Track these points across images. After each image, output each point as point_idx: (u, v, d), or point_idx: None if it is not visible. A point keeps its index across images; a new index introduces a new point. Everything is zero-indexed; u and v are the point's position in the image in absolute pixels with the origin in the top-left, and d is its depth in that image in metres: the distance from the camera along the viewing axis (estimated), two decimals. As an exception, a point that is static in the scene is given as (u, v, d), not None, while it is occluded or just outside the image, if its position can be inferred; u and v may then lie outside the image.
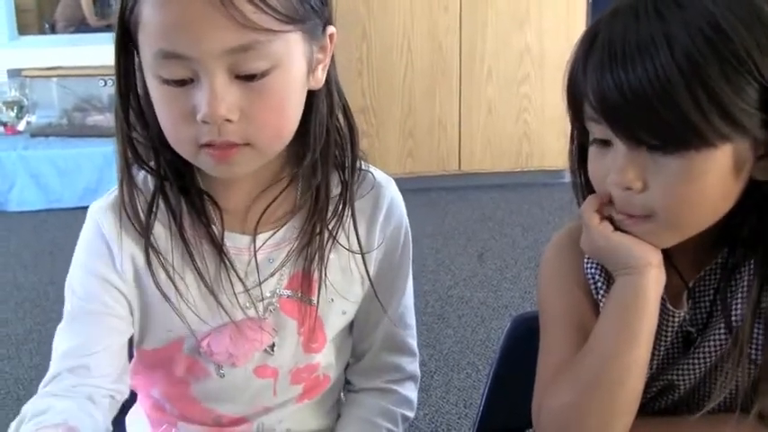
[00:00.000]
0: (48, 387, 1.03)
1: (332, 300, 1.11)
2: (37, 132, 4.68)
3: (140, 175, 1.06)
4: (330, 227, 1.08)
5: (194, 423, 1.15)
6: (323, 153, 1.05)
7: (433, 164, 4.50)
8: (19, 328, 3.00)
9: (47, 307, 3.04)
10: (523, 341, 1.22)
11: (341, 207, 1.08)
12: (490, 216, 4.13)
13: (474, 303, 3.20)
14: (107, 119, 4.56)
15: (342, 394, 1.24)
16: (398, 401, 1.19)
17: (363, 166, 1.12)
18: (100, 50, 4.48)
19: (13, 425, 0.96)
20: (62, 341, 1.05)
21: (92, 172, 4.31)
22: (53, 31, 5.67)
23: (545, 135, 4.49)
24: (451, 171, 4.52)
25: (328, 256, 1.08)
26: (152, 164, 1.04)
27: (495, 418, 1.27)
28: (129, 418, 1.23)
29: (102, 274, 1.05)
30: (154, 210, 1.04)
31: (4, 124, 4.77)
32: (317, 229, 1.07)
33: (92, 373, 1.03)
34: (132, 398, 1.20)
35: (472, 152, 4.52)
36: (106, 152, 4.27)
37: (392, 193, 1.15)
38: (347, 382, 1.24)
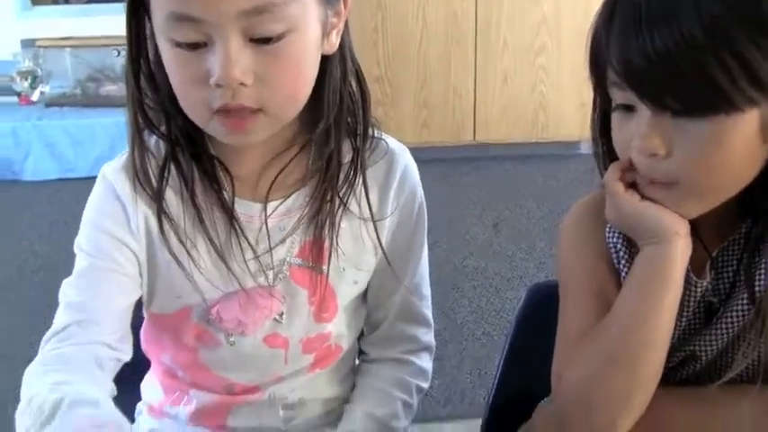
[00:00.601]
0: (54, 342, 1.00)
1: (343, 269, 1.10)
2: (51, 102, 4.69)
3: (152, 141, 1.05)
4: (341, 194, 1.07)
5: (206, 390, 1.14)
6: (336, 119, 1.04)
7: (447, 134, 4.48)
8: (34, 296, 3.02)
9: (61, 276, 3.06)
10: (540, 310, 1.22)
11: (352, 174, 1.07)
12: (505, 187, 4.11)
13: (488, 274, 3.19)
14: (120, 89, 4.51)
15: (356, 362, 1.23)
16: (414, 372, 1.18)
17: (376, 134, 1.11)
18: (113, 20, 4.46)
19: (26, 407, 0.91)
20: (70, 294, 1.03)
21: (105, 142, 4.32)
22: (66, 1, 5.64)
23: (561, 106, 4.45)
24: (466, 141, 4.49)
25: (339, 224, 1.07)
26: (163, 129, 1.03)
27: (511, 387, 1.27)
28: (144, 384, 1.23)
29: (114, 233, 1.03)
30: (165, 175, 1.03)
31: (19, 94, 4.76)
32: (328, 196, 1.06)
33: (101, 329, 1.01)
34: (147, 364, 1.20)
35: (487, 122, 4.49)
36: (120, 122, 4.24)
37: (406, 160, 1.13)
38: (362, 353, 1.23)
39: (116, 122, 4.30)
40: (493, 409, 1.28)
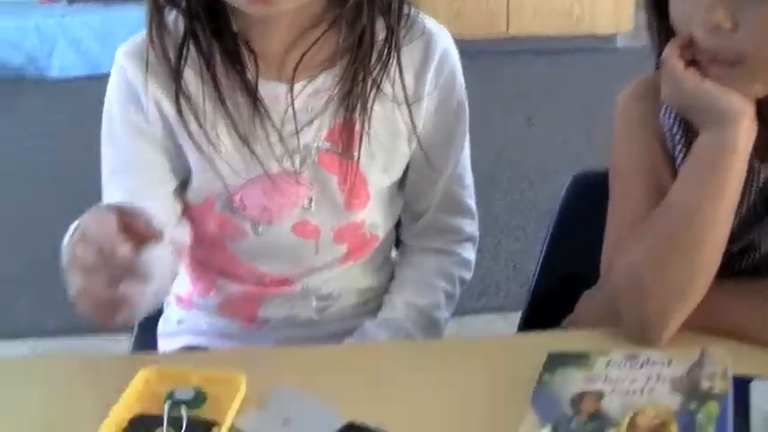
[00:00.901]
0: None
1: (375, 155, 1.05)
2: (75, -2, 4.63)
3: (170, 18, 0.99)
4: (374, 74, 1.00)
5: (235, 282, 1.11)
6: None
7: (481, 25, 4.37)
8: (63, 190, 3.02)
9: (91, 171, 3.05)
10: (583, 199, 1.19)
11: (385, 53, 1.01)
12: (539, 81, 4.06)
13: (523, 167, 3.18)
14: (144, -18, 4.45)
15: (392, 253, 1.20)
16: (457, 263, 1.15)
17: (412, 12, 1.04)
18: None
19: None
20: (109, 197, 1.01)
21: (131, 36, 4.25)
22: None
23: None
24: (500, 33, 4.39)
25: (372, 107, 1.01)
26: (184, 6, 0.97)
27: (553, 278, 1.24)
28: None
29: (133, 122, 1.01)
30: (184, 53, 0.98)
31: (41, -8, 4.70)
32: (360, 77, 1.00)
33: None
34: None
35: (521, 13, 4.39)
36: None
37: (445, 42, 1.06)
38: (401, 243, 1.19)
39: (141, 17, 4.22)
40: (534, 299, 1.26)
